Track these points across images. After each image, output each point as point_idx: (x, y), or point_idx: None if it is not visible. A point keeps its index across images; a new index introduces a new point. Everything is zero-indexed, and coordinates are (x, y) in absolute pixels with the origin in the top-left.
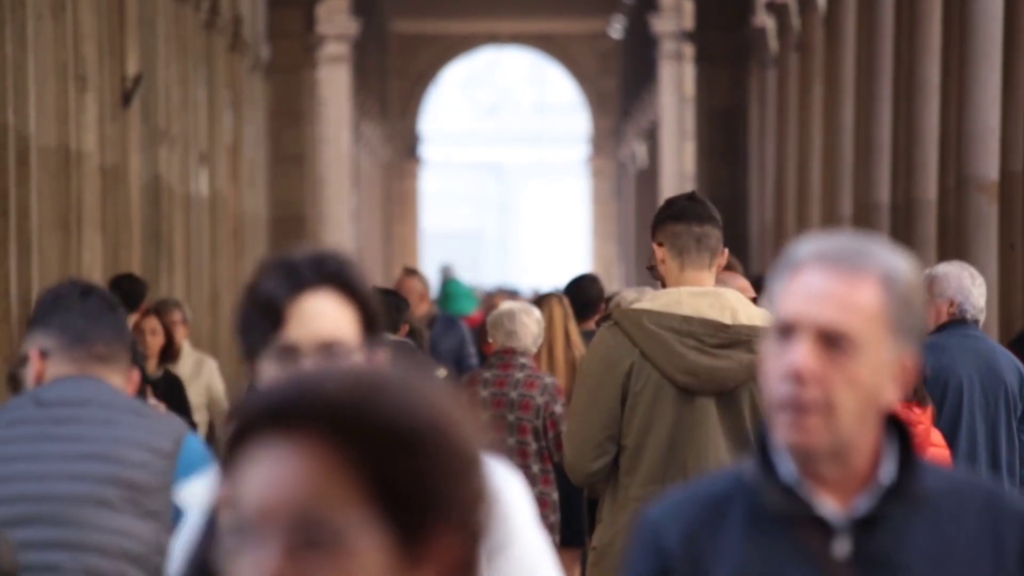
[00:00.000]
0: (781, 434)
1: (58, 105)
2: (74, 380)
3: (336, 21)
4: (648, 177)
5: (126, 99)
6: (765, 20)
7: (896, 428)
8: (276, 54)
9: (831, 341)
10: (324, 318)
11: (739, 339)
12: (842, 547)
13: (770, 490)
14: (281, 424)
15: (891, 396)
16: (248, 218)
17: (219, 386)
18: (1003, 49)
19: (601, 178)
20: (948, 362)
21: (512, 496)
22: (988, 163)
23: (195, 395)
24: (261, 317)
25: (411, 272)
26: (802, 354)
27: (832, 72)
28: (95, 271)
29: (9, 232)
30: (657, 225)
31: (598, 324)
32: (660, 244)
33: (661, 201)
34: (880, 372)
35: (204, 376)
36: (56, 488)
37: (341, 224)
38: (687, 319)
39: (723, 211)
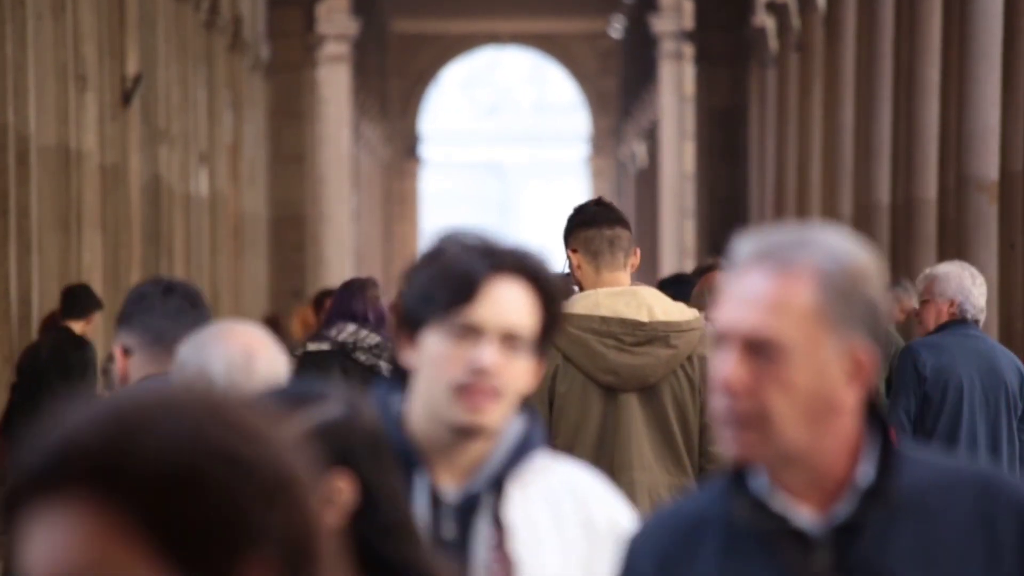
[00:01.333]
0: (726, 448)
1: (58, 105)
2: (154, 379)
3: (336, 21)
4: (648, 177)
5: (126, 99)
6: (765, 20)
7: (879, 426)
8: (276, 54)
9: (757, 349)
10: (514, 306)
11: (656, 335)
12: (822, 559)
13: (739, 505)
14: (43, 492)
15: (847, 394)
16: (248, 218)
17: None
18: (1003, 49)
19: (601, 178)
20: (948, 362)
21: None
22: (988, 163)
23: None
24: (449, 289)
25: None
26: (729, 366)
27: (832, 72)
28: (95, 271)
29: (9, 232)
30: (569, 233)
31: None
32: (574, 250)
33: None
34: (823, 372)
35: None
36: None
37: (341, 224)
38: (605, 320)
39: (723, 211)
